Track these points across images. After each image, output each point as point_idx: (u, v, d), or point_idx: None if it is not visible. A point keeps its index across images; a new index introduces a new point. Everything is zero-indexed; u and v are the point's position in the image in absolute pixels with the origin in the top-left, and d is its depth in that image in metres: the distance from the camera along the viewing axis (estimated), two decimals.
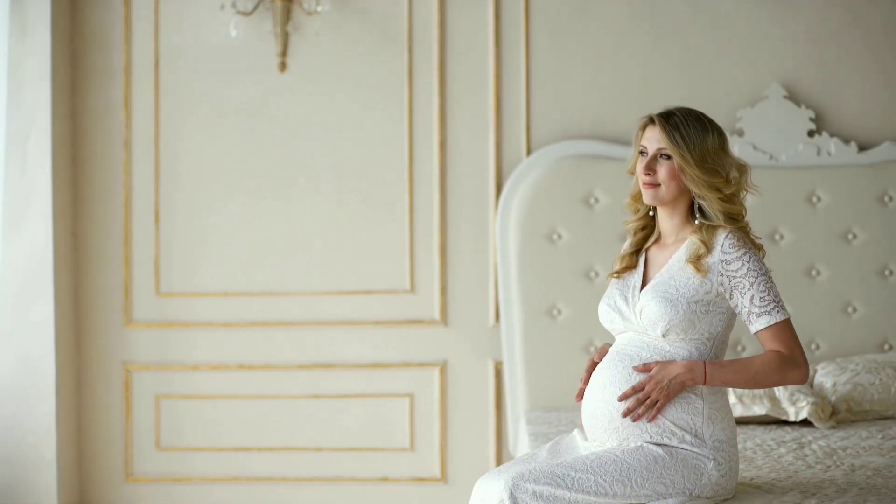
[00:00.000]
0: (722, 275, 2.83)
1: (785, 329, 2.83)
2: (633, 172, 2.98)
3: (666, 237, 2.97)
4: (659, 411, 2.81)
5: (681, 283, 2.85)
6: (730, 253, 2.83)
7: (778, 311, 2.82)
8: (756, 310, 2.82)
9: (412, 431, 4.79)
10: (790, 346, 2.83)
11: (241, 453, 4.82)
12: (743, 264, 2.82)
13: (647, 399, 2.81)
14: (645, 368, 2.84)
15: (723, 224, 2.86)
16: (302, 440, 4.81)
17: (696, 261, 2.84)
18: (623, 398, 2.84)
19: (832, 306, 4.54)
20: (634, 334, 2.91)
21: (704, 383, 2.81)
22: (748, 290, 2.82)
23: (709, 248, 2.85)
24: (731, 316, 2.89)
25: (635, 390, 2.82)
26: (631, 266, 2.98)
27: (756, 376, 2.82)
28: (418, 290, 4.78)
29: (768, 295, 2.82)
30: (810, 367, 4.30)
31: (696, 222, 2.89)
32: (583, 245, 4.58)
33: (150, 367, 4.83)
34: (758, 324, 2.83)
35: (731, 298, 2.84)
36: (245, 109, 4.80)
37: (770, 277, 2.84)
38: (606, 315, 2.96)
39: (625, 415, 2.82)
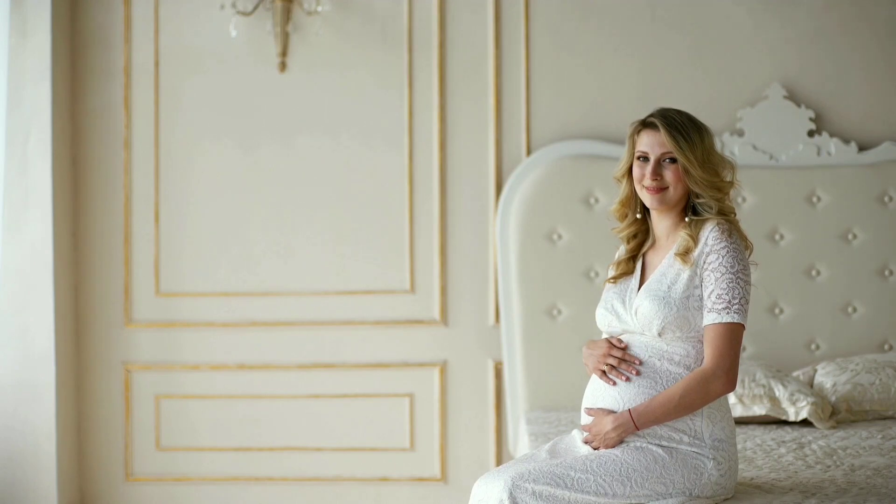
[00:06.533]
0: (703, 266, 2.83)
1: (724, 333, 2.78)
2: (620, 178, 2.98)
3: (660, 239, 2.97)
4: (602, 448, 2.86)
5: (672, 281, 2.86)
6: (711, 244, 2.83)
7: (728, 313, 2.78)
8: (709, 304, 2.80)
9: (412, 431, 4.79)
10: (720, 352, 2.78)
11: (241, 453, 4.82)
12: (718, 257, 2.81)
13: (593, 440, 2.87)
14: (591, 413, 2.88)
15: (713, 217, 2.86)
16: (302, 440, 4.81)
17: (685, 254, 2.85)
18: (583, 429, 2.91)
19: (832, 306, 4.53)
20: (632, 336, 2.91)
21: (637, 429, 2.81)
22: (712, 283, 2.81)
23: (696, 241, 2.85)
24: None
25: (589, 431, 2.89)
26: (627, 272, 2.99)
27: (682, 402, 2.78)
28: (418, 290, 4.78)
29: (727, 294, 2.78)
30: (810, 367, 4.30)
31: (687, 220, 2.90)
32: (583, 245, 4.59)
33: (150, 367, 4.83)
34: (707, 318, 2.81)
35: (701, 289, 2.84)
36: (245, 109, 4.80)
37: (740, 278, 2.79)
38: (603, 318, 2.97)
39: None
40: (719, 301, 2.78)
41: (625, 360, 2.87)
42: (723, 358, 2.78)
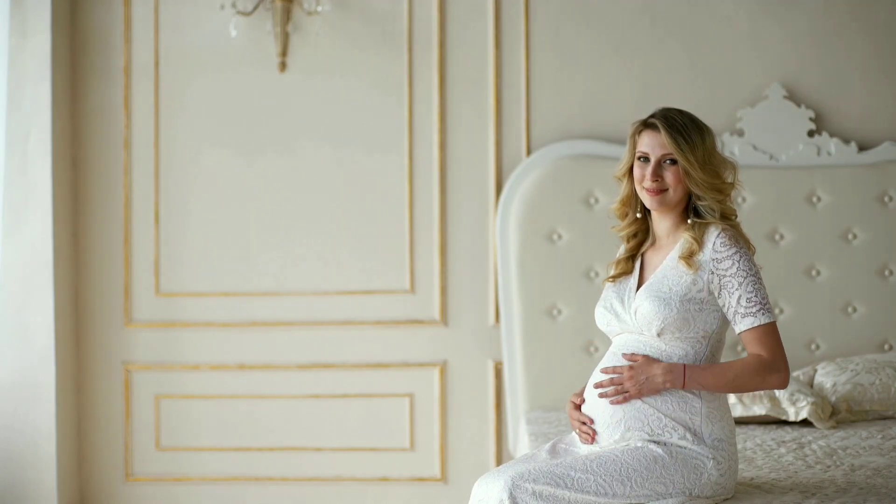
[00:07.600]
0: (713, 273, 2.84)
1: (768, 332, 2.82)
2: (621, 178, 2.98)
3: (660, 239, 2.98)
4: (626, 401, 2.84)
5: (673, 282, 2.86)
6: (721, 251, 2.84)
7: (763, 314, 2.81)
8: (742, 310, 2.82)
9: (412, 431, 4.79)
10: (772, 349, 2.82)
11: (241, 453, 4.82)
12: (733, 263, 2.83)
13: (620, 384, 2.84)
14: (632, 358, 2.86)
15: (716, 221, 2.87)
16: (302, 440, 4.81)
17: (689, 257, 2.86)
18: (605, 372, 2.88)
19: (832, 306, 4.54)
20: (630, 335, 2.92)
21: (683, 387, 2.81)
22: (736, 289, 2.82)
23: (700, 244, 2.86)
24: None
25: (616, 372, 2.86)
26: (627, 271, 3.00)
27: (735, 380, 2.82)
28: (418, 290, 4.78)
29: (756, 296, 2.82)
30: (810, 367, 4.30)
31: (690, 221, 2.90)
32: (583, 245, 4.59)
33: (150, 367, 4.83)
34: (742, 324, 2.83)
35: (719, 297, 2.85)
36: (245, 109, 4.80)
37: (759, 278, 2.84)
38: (602, 317, 2.98)
39: (595, 386, 2.88)
40: (751, 304, 2.81)
41: (584, 423, 2.92)
42: (776, 353, 2.83)
